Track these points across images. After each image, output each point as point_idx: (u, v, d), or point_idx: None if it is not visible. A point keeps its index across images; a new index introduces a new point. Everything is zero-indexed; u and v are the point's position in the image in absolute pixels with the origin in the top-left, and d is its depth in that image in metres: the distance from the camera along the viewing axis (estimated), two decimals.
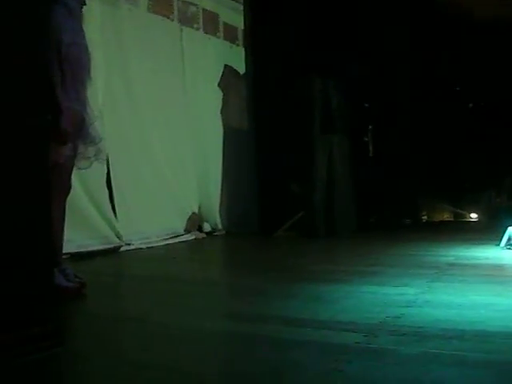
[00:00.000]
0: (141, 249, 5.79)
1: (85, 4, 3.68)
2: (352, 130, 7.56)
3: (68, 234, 4.79)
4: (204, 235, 6.98)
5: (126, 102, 6.15)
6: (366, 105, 8.04)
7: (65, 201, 3.63)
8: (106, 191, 5.73)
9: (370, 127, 8.15)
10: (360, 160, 7.78)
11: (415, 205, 8.74)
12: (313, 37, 7.80)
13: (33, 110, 2.33)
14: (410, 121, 8.27)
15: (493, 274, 3.99)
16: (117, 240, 5.64)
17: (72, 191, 5.05)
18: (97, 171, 5.38)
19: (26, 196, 2.31)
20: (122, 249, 5.64)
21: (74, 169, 3.65)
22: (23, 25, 2.24)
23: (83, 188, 5.35)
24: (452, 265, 4.38)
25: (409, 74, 8.24)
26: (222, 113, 7.77)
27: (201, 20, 7.44)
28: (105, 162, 5.56)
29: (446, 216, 9.20)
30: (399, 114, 8.23)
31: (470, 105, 9.00)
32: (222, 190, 7.56)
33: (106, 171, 5.71)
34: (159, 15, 6.79)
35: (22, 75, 2.26)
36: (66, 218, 4.36)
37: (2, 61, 2.19)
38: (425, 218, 9.07)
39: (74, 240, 4.97)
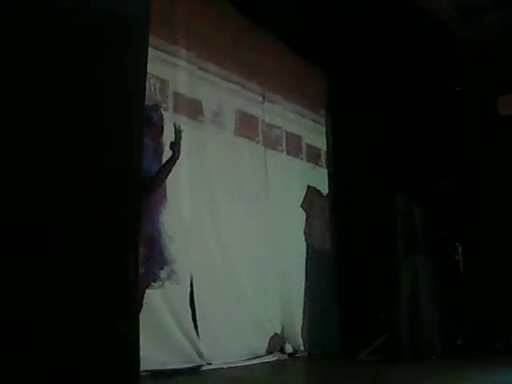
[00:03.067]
0: (221, 368, 5.70)
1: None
2: (438, 249, 7.39)
3: (150, 351, 4.83)
4: (286, 357, 6.83)
5: (210, 223, 6.28)
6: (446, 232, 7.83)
7: None
8: (189, 310, 5.75)
9: (459, 244, 7.92)
10: (449, 279, 7.53)
11: (507, 327, 8.30)
12: (395, 155, 7.87)
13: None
14: (500, 239, 8.02)
15: None
16: (198, 359, 5.59)
17: (156, 310, 5.17)
18: (180, 290, 5.47)
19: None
20: (203, 368, 5.57)
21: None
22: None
23: (167, 307, 5.40)
24: None
25: (498, 189, 8.06)
26: (304, 233, 7.80)
27: (284, 142, 7.65)
28: (187, 282, 5.68)
29: None
30: (487, 232, 8.00)
31: None
32: (304, 310, 7.45)
33: (189, 290, 5.77)
34: (244, 138, 7.03)
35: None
36: (149, 336, 4.41)
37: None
38: None
39: (155, 357, 4.98)
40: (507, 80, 7.99)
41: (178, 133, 3.95)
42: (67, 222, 2.22)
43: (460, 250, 8.02)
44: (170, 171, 3.88)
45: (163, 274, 3.71)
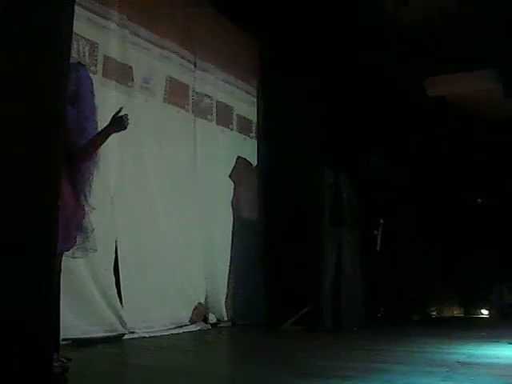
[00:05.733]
0: (144, 337, 5.67)
1: None
2: (362, 223, 7.55)
3: (72, 319, 4.76)
4: (209, 326, 6.85)
5: (137, 190, 6.19)
6: (379, 197, 8.06)
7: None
8: (113, 278, 5.68)
9: (382, 221, 8.11)
10: (369, 253, 7.72)
11: (424, 300, 8.64)
12: (325, 129, 7.94)
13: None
14: (419, 216, 8.29)
15: (506, 374, 3.81)
16: (121, 327, 5.55)
17: (79, 277, 5.08)
18: (104, 257, 5.39)
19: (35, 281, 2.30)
20: (125, 336, 5.53)
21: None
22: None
23: (90, 274, 5.31)
24: (463, 363, 4.21)
25: (420, 168, 8.32)
26: (232, 203, 7.79)
27: (214, 112, 7.58)
28: (112, 249, 5.61)
29: (456, 312, 9.05)
30: (408, 209, 8.25)
31: (479, 200, 9.05)
32: (228, 280, 7.48)
33: (113, 258, 5.70)
34: (174, 106, 6.93)
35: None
36: (72, 304, 4.32)
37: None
38: (434, 313, 8.93)
39: (77, 326, 4.91)
40: (435, 62, 8.14)
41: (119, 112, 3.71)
42: None
43: (381, 225, 8.21)
44: (101, 144, 3.63)
45: (83, 242, 3.58)
